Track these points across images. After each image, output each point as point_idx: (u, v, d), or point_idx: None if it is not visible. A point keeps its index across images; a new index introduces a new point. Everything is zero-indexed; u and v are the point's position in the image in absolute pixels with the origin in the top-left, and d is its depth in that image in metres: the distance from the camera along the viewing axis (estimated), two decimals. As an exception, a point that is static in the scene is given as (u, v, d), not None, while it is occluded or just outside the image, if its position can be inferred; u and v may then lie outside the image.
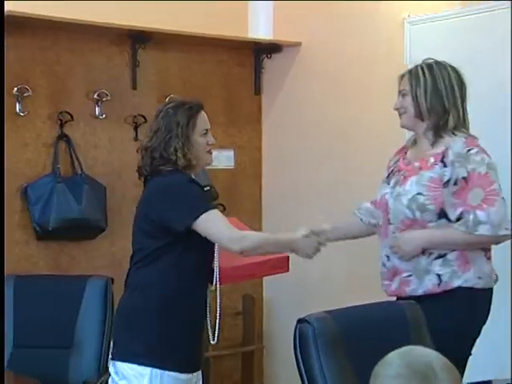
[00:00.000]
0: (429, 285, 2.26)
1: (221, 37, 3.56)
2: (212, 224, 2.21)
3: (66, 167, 3.32)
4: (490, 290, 2.30)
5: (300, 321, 1.89)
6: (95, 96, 3.38)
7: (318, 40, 3.62)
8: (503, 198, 2.23)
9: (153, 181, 2.31)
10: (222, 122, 3.77)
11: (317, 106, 3.62)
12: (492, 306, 2.31)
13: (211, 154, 2.39)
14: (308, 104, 3.67)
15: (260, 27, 3.79)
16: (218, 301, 2.37)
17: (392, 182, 2.36)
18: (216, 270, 2.32)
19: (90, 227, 3.32)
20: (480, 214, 2.19)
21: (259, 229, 3.78)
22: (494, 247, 2.33)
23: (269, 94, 3.87)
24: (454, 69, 2.33)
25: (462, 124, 2.30)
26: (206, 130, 2.35)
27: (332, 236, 2.46)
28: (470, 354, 2.28)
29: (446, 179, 2.23)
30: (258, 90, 3.87)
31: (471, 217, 2.20)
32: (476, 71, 2.87)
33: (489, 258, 2.30)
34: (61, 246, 3.32)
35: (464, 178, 2.22)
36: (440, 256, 2.25)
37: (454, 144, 2.25)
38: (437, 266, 2.25)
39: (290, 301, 3.71)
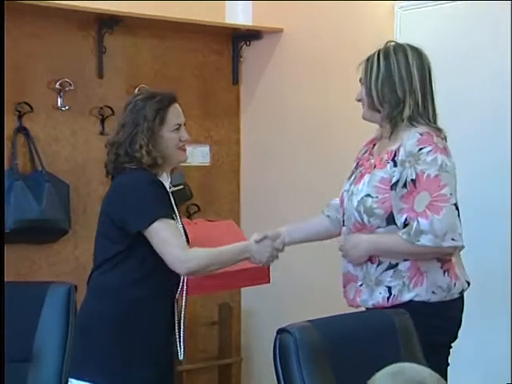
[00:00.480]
0: (379, 298, 2.21)
1: (196, 22, 3.56)
2: (161, 237, 2.20)
3: (25, 163, 3.30)
4: (451, 302, 2.22)
5: (280, 331, 1.89)
6: (57, 85, 3.35)
7: (300, 26, 3.62)
8: (454, 205, 2.14)
9: (115, 179, 2.31)
10: (197, 114, 3.76)
11: (299, 96, 3.62)
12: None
13: (185, 151, 2.38)
14: (290, 95, 3.67)
15: (238, 12, 3.79)
16: (183, 312, 2.36)
17: (351, 178, 2.33)
18: (182, 278, 2.32)
19: (51, 229, 3.29)
20: (422, 222, 2.11)
21: (237, 231, 3.77)
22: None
23: (248, 85, 3.86)
24: (415, 51, 2.25)
25: (421, 114, 2.22)
26: (179, 124, 2.34)
27: (290, 239, 2.44)
28: (448, 365, 2.24)
29: (394, 180, 2.17)
30: (236, 80, 3.86)
31: (414, 224, 2.12)
32: (471, 60, 2.90)
33: (447, 270, 2.21)
34: (19, 250, 3.29)
35: (413, 181, 2.14)
36: (391, 266, 2.20)
37: (407, 141, 2.17)
38: (388, 277, 2.20)
39: (270, 310, 3.71)
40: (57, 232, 3.33)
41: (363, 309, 2.29)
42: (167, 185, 2.35)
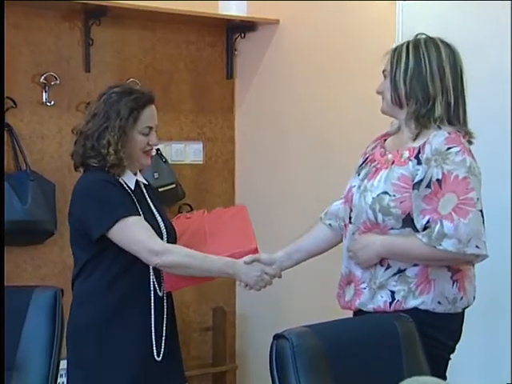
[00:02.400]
0: (380, 302, 2.17)
1: (188, 13, 3.55)
2: (129, 233, 2.23)
3: (9, 162, 3.29)
4: (454, 315, 2.19)
5: (277, 336, 1.88)
6: (42, 79, 3.35)
7: (297, 18, 3.61)
8: (480, 212, 2.09)
9: (75, 185, 2.37)
10: (190, 110, 3.76)
11: (296, 91, 3.61)
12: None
13: (150, 156, 2.40)
14: (286, 89, 3.66)
15: (232, 3, 3.77)
16: (165, 311, 2.37)
17: (362, 174, 2.26)
18: (151, 276, 2.33)
19: (36, 230, 3.29)
20: (447, 225, 2.06)
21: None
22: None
23: (243, 79, 3.85)
24: (448, 47, 2.20)
25: (452, 117, 2.17)
26: (150, 127, 2.35)
27: (290, 262, 2.43)
28: (445, 378, 2.21)
29: (417, 179, 2.11)
30: (230, 74, 3.85)
31: (437, 227, 2.07)
32: (476, 55, 2.88)
33: (456, 281, 2.17)
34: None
35: (438, 181, 2.08)
36: (399, 271, 2.16)
37: (434, 138, 2.11)
38: (392, 282, 2.16)
39: (267, 314, 3.70)
40: (42, 233, 3.33)
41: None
42: (133, 183, 2.37)
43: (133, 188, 2.37)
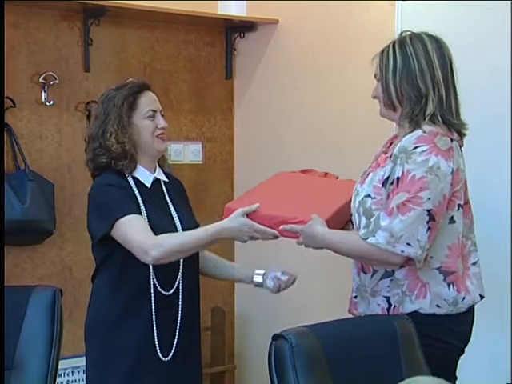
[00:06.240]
0: (377, 309, 2.17)
1: (188, 13, 3.55)
2: (125, 231, 2.24)
3: (8, 161, 3.28)
4: (458, 315, 2.16)
5: (276, 336, 1.88)
6: (41, 79, 3.34)
7: (296, 17, 3.61)
8: (428, 212, 2.04)
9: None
10: (189, 110, 3.76)
11: (296, 91, 3.61)
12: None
13: (163, 140, 2.38)
14: (286, 89, 3.66)
15: (232, 3, 3.77)
16: (176, 310, 2.35)
17: (362, 177, 2.26)
18: (151, 276, 2.30)
19: (35, 230, 3.28)
20: (384, 218, 2.05)
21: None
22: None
23: (242, 78, 3.85)
24: (434, 39, 2.16)
25: (445, 110, 2.13)
26: (153, 111, 2.35)
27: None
28: (456, 378, 2.21)
29: (385, 177, 2.11)
30: (229, 74, 3.85)
31: (374, 219, 2.07)
32: (475, 55, 2.89)
33: (452, 283, 2.14)
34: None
35: (398, 179, 2.08)
36: (387, 275, 2.15)
37: (406, 137, 2.10)
38: (385, 287, 2.16)
39: (266, 314, 3.69)
40: (41, 233, 3.32)
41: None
42: (149, 180, 2.36)
43: (149, 185, 2.36)
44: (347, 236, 2.18)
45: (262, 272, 2.42)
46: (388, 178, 2.11)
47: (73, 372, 3.46)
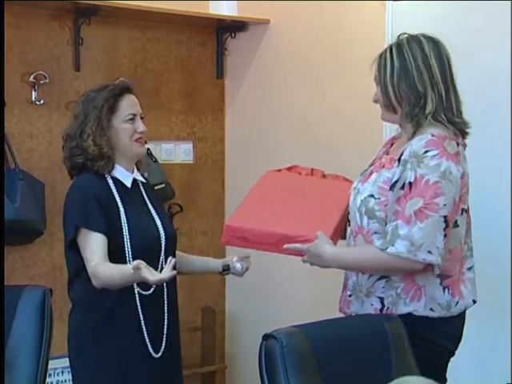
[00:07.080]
0: (370, 310, 2.17)
1: (179, 13, 3.54)
2: (83, 247, 2.26)
3: (-3, 160, 3.27)
4: (450, 318, 2.16)
5: (266, 336, 1.88)
6: (31, 78, 3.34)
7: (288, 17, 3.61)
8: (444, 217, 2.05)
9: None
10: (180, 109, 3.75)
11: (287, 91, 3.61)
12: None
13: (142, 144, 2.39)
14: (277, 89, 3.66)
15: (223, 3, 3.76)
16: (166, 310, 2.37)
17: (361, 176, 2.26)
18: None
19: (25, 230, 3.27)
20: (402, 226, 2.04)
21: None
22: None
23: (233, 78, 3.85)
24: (431, 40, 2.17)
25: (445, 109, 2.13)
26: (133, 114, 2.35)
27: None
28: (445, 381, 2.21)
29: (393, 180, 2.10)
30: (220, 74, 3.85)
31: (391, 228, 2.06)
32: (466, 55, 2.89)
33: (447, 287, 2.14)
34: (-9, 252, 3.27)
35: (410, 184, 2.07)
36: (384, 276, 2.15)
37: (415, 141, 2.10)
38: (379, 288, 2.16)
39: (256, 314, 3.69)
40: (31, 233, 3.31)
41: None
42: (129, 181, 2.36)
43: (129, 186, 2.37)
44: (362, 250, 2.15)
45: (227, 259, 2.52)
46: (397, 181, 2.11)
47: (63, 372, 3.45)
